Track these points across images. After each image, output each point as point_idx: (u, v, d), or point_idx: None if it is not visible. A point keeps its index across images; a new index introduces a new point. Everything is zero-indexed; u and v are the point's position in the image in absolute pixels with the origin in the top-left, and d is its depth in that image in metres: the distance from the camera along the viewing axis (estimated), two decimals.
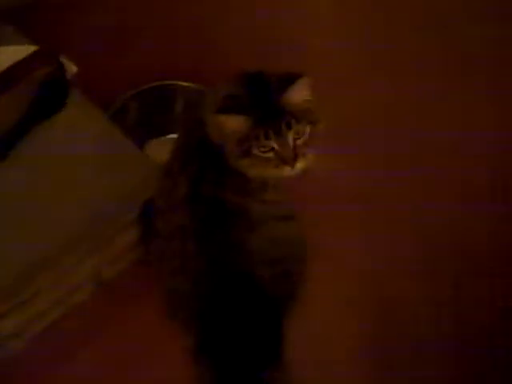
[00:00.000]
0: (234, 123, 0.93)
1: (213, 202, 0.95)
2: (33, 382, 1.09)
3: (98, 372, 1.09)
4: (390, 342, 1.14)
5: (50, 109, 1.05)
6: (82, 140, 1.04)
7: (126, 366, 1.09)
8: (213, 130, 0.96)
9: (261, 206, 0.97)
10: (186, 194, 0.95)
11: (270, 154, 0.93)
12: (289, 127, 0.92)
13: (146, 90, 1.28)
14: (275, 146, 0.92)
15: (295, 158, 0.93)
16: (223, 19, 1.46)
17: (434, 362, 1.13)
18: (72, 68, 1.08)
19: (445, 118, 1.39)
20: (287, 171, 0.94)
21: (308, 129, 0.94)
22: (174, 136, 1.28)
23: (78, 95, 1.08)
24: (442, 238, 1.26)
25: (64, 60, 1.06)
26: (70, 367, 1.09)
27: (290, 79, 0.92)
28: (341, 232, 1.22)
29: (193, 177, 0.96)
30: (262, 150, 0.93)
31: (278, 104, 0.92)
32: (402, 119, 1.39)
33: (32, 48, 1.05)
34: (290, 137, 0.92)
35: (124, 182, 1.01)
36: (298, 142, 0.93)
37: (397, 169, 1.31)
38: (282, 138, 0.92)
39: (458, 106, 1.40)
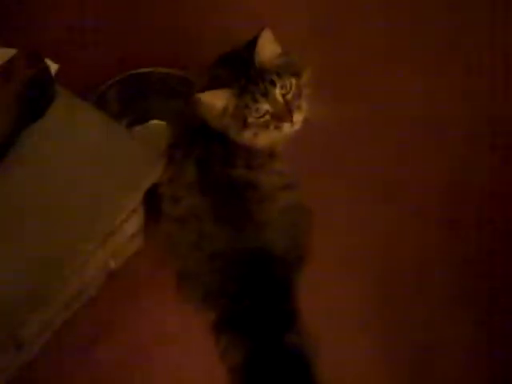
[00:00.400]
0: (221, 99, 0.95)
1: (222, 181, 0.97)
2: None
3: (116, 362, 1.10)
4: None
5: (39, 109, 1.04)
6: (78, 135, 1.04)
7: (144, 353, 1.11)
8: (207, 114, 0.98)
9: (268, 176, 0.99)
10: (196, 177, 0.97)
11: (267, 117, 0.95)
12: (273, 84, 0.94)
13: (122, 79, 1.29)
14: (266, 107, 0.94)
15: (290, 113, 0.94)
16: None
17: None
18: (53, 66, 1.07)
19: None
20: (288, 128, 0.96)
21: (294, 81, 0.96)
22: (156, 122, 1.31)
23: (63, 91, 1.08)
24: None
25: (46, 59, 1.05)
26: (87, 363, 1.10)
27: (254, 39, 0.95)
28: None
29: (199, 160, 0.98)
30: (257, 115, 0.95)
31: (255, 68, 0.94)
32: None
33: (11, 50, 1.04)
34: (278, 93, 0.94)
35: (128, 172, 1.01)
36: (288, 96, 0.95)
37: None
38: (271, 97, 0.94)
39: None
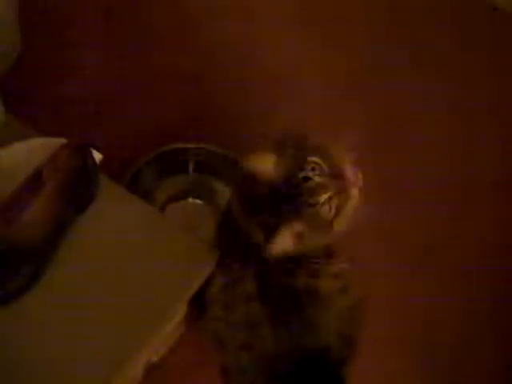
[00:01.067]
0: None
1: (283, 291, 0.95)
2: None
3: None
4: None
5: (84, 202, 1.00)
6: (124, 229, 0.99)
7: None
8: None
9: (326, 281, 0.97)
10: (256, 289, 0.95)
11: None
12: None
13: (158, 155, 1.25)
14: None
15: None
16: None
17: None
18: (97, 156, 1.03)
19: None
20: None
21: None
22: (192, 200, 1.27)
23: (107, 181, 1.04)
24: None
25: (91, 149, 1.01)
26: None
27: None
28: None
29: (259, 273, 0.95)
30: None
31: None
32: None
33: (52, 141, 1.00)
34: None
35: (177, 269, 0.97)
36: None
37: None
38: None
39: None
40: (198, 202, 1.27)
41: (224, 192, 1.23)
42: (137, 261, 0.97)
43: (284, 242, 0.89)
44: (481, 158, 1.43)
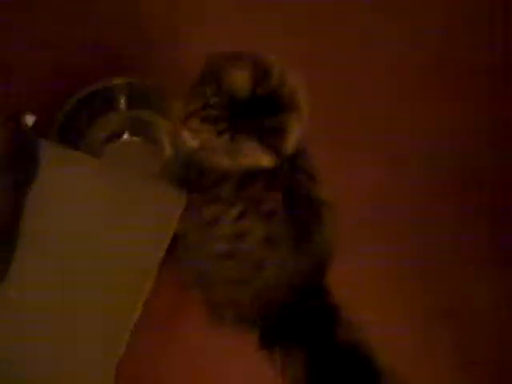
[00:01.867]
0: None
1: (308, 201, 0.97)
2: None
3: None
4: None
5: (29, 173, 0.96)
6: (81, 191, 0.96)
7: None
8: None
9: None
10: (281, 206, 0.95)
11: None
12: None
13: (84, 97, 1.20)
14: None
15: None
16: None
17: None
18: (30, 119, 0.98)
19: None
20: None
21: None
22: (129, 137, 1.24)
23: (45, 144, 0.99)
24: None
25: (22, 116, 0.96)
26: None
27: None
28: None
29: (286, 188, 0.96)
30: None
31: None
32: None
33: None
34: None
35: (150, 218, 0.96)
36: None
37: None
38: None
39: None
40: (136, 138, 1.24)
41: (160, 125, 1.21)
42: (107, 221, 0.96)
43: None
44: None
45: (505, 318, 1.21)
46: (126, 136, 1.24)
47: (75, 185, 0.97)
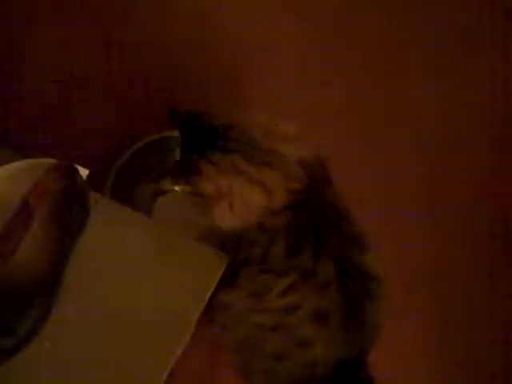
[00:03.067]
0: None
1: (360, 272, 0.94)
2: None
3: None
4: None
5: (79, 224, 0.95)
6: (126, 245, 0.95)
7: None
8: None
9: None
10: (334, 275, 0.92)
11: None
12: None
13: (139, 149, 1.19)
14: None
15: None
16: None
17: None
18: (84, 172, 0.97)
19: None
20: None
21: None
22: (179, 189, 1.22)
23: (98, 197, 0.98)
24: None
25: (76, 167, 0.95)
26: None
27: None
28: None
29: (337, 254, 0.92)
30: None
31: None
32: None
33: (37, 162, 0.93)
34: None
35: (190, 277, 0.94)
36: None
37: None
38: None
39: None
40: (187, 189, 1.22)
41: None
42: (148, 276, 0.94)
43: None
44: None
45: None
46: (177, 188, 1.22)
47: (122, 242, 0.96)
